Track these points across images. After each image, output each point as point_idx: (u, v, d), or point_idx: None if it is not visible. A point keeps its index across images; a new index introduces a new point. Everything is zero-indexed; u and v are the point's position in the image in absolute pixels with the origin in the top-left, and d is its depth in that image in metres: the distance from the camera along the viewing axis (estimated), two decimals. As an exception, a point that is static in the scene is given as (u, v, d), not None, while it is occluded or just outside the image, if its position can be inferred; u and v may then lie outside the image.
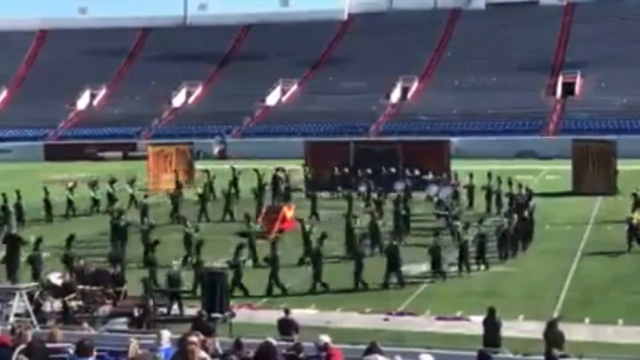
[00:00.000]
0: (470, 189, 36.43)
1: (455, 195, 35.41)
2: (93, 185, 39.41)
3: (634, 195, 32.36)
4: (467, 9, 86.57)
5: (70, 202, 37.26)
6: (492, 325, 16.62)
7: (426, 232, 29.08)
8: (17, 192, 35.53)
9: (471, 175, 36.85)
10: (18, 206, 34.90)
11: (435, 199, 35.84)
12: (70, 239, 24.85)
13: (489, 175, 35.86)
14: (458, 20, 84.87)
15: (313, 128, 67.43)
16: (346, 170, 41.67)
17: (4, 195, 34.81)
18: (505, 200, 33.52)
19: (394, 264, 23.52)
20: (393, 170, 40.93)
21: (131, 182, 40.13)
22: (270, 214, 32.98)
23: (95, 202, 37.96)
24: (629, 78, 68.46)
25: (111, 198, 37.79)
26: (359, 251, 24.59)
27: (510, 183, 35.16)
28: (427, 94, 74.05)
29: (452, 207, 32.91)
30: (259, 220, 32.09)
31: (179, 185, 40.08)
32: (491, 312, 16.96)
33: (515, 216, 27.93)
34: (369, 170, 40.67)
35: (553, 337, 15.35)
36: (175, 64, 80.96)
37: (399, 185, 37.58)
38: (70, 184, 39.12)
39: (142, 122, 74.25)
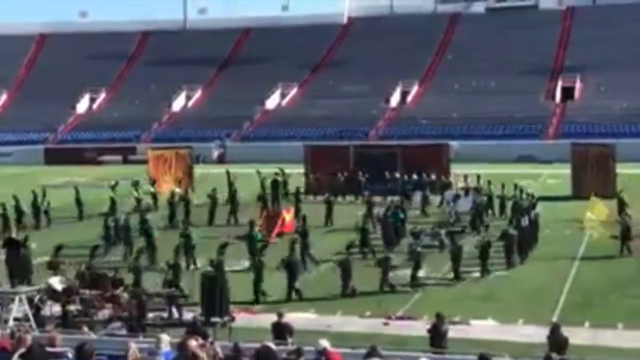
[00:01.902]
0: (502, 199, 35.63)
1: (482, 205, 34.00)
2: (135, 184, 39.98)
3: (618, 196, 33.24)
4: (467, 13, 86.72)
5: (113, 201, 37.43)
6: (438, 332, 16.47)
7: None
8: (43, 190, 36.65)
9: (503, 186, 36.22)
10: (34, 203, 35.81)
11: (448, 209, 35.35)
12: (94, 249, 24.73)
13: (516, 186, 35.83)
14: (458, 24, 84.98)
15: (313, 132, 67.37)
16: (397, 175, 41.00)
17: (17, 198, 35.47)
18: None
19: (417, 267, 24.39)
20: (434, 177, 40.67)
21: (180, 182, 40.39)
22: (270, 217, 33.00)
23: (139, 201, 38.16)
24: (629, 82, 68.47)
25: (155, 197, 37.98)
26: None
27: (503, 187, 35.63)
28: (427, 98, 74.09)
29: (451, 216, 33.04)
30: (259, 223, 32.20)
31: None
32: (439, 319, 16.80)
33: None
34: (415, 176, 40.26)
35: (556, 342, 15.32)
36: (175, 68, 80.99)
37: (449, 195, 36.67)
38: (112, 183, 39.95)
39: (142, 126, 74.26)
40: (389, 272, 23.70)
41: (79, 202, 37.09)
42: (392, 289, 23.43)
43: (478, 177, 40.02)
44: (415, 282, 24.12)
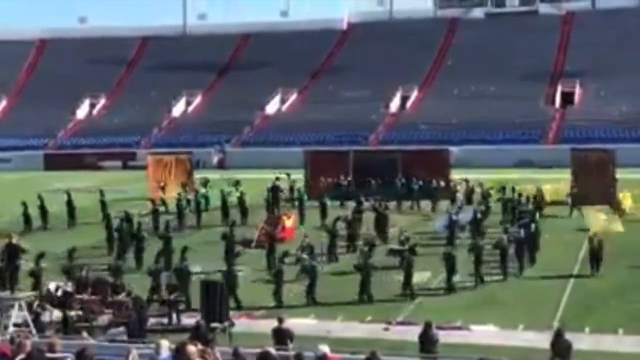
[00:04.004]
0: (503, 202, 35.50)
1: (476, 220, 31.84)
2: (184, 186, 40.96)
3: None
4: (467, 18, 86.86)
5: (164, 202, 38.36)
6: (427, 339, 16.39)
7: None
8: (68, 193, 37.74)
9: (520, 194, 36.11)
10: (69, 202, 37.41)
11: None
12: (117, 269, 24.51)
13: (535, 198, 35.69)
14: (457, 30, 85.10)
15: (313, 137, 67.46)
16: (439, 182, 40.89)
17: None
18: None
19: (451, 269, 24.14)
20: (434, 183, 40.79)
21: (235, 184, 40.72)
22: (269, 223, 32.93)
23: (188, 202, 38.73)
24: (628, 87, 68.59)
25: (207, 200, 38.60)
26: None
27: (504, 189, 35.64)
28: (427, 103, 74.16)
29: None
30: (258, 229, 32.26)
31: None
32: (427, 326, 16.68)
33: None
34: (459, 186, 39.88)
35: (560, 347, 15.28)
36: (175, 73, 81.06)
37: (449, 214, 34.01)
38: (162, 183, 41.56)
39: (142, 131, 74.32)
40: (282, 285, 22.94)
41: (103, 204, 37.38)
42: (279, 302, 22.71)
43: (466, 180, 40.23)
44: (449, 286, 23.97)
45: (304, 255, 25.53)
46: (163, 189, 41.47)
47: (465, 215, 32.84)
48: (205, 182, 42.91)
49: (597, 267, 25.64)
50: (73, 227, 36.67)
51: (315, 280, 23.18)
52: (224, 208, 37.15)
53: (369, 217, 33.50)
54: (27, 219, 35.52)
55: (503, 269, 25.37)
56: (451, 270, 24.10)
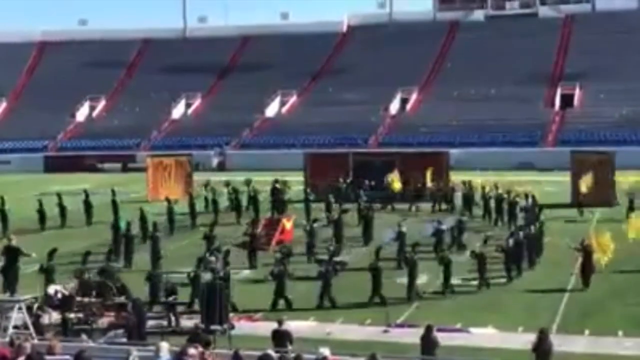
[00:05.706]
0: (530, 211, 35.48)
1: (438, 232, 29.61)
2: (227, 184, 41.42)
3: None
4: (467, 20, 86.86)
5: (207, 200, 39.29)
6: (428, 342, 16.35)
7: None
8: (86, 192, 38.66)
9: (526, 195, 35.80)
10: (87, 204, 38.08)
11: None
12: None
13: (526, 196, 35.70)
14: (457, 32, 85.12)
15: (312, 139, 67.39)
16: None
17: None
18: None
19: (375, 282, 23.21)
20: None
21: (276, 182, 41.30)
22: (269, 225, 32.92)
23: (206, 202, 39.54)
24: (628, 89, 68.64)
25: (238, 198, 38.98)
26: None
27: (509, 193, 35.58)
28: (426, 106, 74.18)
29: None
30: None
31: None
32: (428, 329, 16.60)
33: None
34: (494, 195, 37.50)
35: (545, 349, 15.32)
36: (175, 76, 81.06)
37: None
38: (205, 182, 42.59)
39: (142, 134, 74.29)
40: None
41: (114, 203, 37.54)
42: None
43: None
44: (412, 293, 23.48)
45: (212, 257, 24.93)
46: (206, 186, 41.99)
47: (427, 228, 30.85)
48: (227, 183, 43.03)
49: (587, 280, 24.26)
50: (90, 226, 36.92)
51: (415, 273, 23.45)
52: (237, 208, 37.71)
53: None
54: (42, 216, 35.85)
55: (445, 285, 24.05)
56: (375, 284, 22.87)
